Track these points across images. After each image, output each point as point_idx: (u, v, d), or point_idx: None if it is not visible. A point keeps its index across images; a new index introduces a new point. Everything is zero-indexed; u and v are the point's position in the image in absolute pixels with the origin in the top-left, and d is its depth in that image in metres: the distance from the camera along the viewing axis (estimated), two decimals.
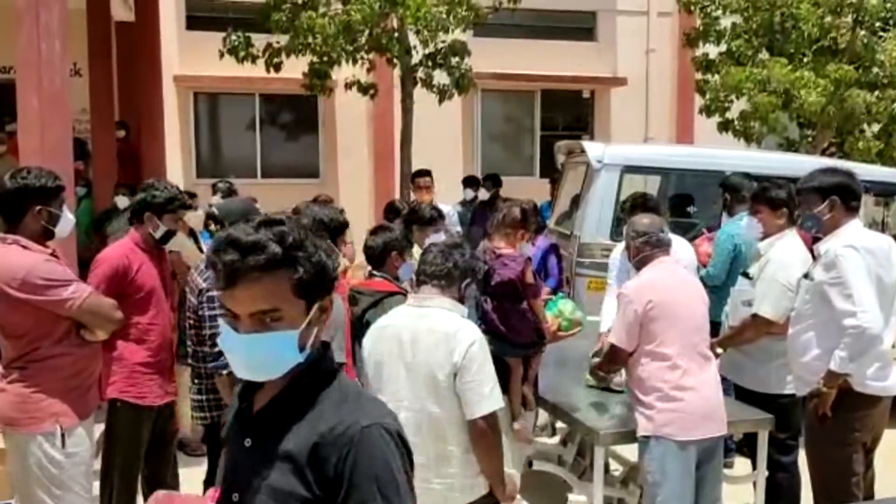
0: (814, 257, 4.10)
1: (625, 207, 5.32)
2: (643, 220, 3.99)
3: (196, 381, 4.00)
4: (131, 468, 3.96)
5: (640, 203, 5.05)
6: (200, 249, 4.94)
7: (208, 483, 4.13)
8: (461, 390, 2.74)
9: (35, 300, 3.20)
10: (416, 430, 2.85)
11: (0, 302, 3.23)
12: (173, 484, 4.18)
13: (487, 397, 2.75)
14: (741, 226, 5.43)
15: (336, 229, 3.50)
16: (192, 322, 3.91)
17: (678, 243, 5.28)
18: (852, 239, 3.70)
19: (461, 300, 3.00)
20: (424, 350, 2.80)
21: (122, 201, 7.43)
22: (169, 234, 4.02)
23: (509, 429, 3.94)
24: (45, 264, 3.27)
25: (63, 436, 3.31)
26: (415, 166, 10.74)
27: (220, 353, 3.65)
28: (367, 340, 3.02)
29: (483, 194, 9.33)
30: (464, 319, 2.88)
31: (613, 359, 3.89)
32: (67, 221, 3.43)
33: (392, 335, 2.91)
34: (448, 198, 10.04)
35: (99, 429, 3.82)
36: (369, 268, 3.97)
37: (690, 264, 5.17)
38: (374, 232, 3.97)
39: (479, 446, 2.78)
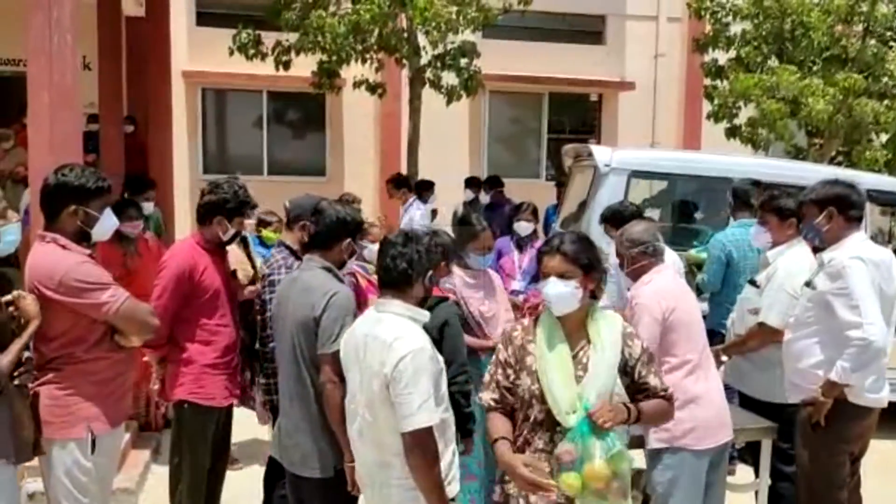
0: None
1: (606, 217, 5.21)
2: (636, 228, 3.91)
3: (264, 364, 4.06)
4: (200, 468, 3.95)
5: (619, 213, 5.03)
6: (250, 256, 4.92)
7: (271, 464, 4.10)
8: (393, 402, 2.72)
9: (71, 303, 3.09)
10: (359, 434, 2.91)
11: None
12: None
13: (414, 414, 2.67)
14: (733, 233, 5.45)
15: (356, 229, 3.58)
16: (257, 308, 4.05)
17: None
18: (859, 251, 3.69)
19: (428, 293, 2.99)
20: (369, 356, 2.81)
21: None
22: (236, 235, 4.02)
23: None
24: (83, 266, 3.14)
25: (93, 442, 3.22)
26: (421, 167, 10.76)
27: None
28: (342, 340, 3.06)
29: (483, 198, 9.33)
30: (410, 327, 2.81)
31: None
32: (107, 224, 3.31)
33: (355, 339, 2.93)
34: (452, 199, 10.06)
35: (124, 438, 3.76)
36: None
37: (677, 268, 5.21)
38: None
39: (409, 462, 2.73)
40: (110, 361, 3.27)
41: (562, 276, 2.75)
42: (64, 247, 3.16)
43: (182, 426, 3.92)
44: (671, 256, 5.14)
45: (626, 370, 2.83)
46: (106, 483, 3.44)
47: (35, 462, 3.32)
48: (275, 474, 4.01)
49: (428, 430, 2.69)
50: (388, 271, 2.89)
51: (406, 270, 2.86)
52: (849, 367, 3.59)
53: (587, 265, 2.79)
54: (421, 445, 2.69)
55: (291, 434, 3.33)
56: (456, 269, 4.37)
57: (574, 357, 2.77)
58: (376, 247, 4.50)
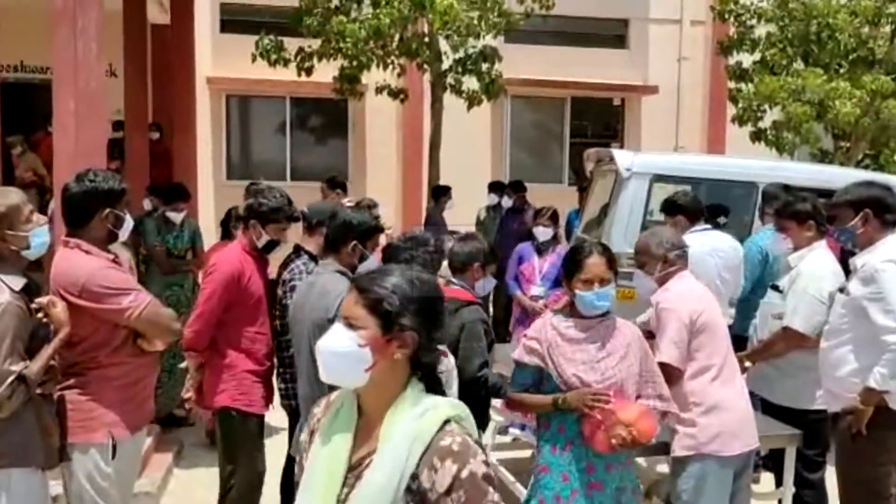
0: (844, 268, 4.03)
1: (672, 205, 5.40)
2: (668, 232, 3.89)
3: (280, 369, 4.09)
4: (257, 474, 3.93)
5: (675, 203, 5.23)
6: None
7: (288, 466, 4.12)
8: None
9: (94, 308, 3.12)
10: None
11: None
12: None
13: None
14: (767, 236, 5.39)
15: (364, 233, 3.57)
16: (277, 313, 4.05)
17: (725, 240, 5.37)
18: (892, 254, 3.61)
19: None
20: None
21: (147, 204, 7.47)
22: (272, 244, 3.99)
23: None
24: (106, 271, 3.17)
25: (114, 448, 3.23)
26: (443, 171, 10.77)
27: None
28: None
29: (506, 202, 9.32)
30: None
31: (666, 380, 3.40)
32: (128, 224, 3.36)
33: None
34: (475, 203, 10.06)
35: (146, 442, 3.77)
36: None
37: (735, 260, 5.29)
38: (462, 239, 3.90)
39: None
40: (132, 366, 3.28)
41: (349, 324, 1.76)
42: (87, 252, 3.19)
43: (232, 433, 3.90)
44: (729, 243, 5.36)
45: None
46: (127, 488, 3.46)
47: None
48: (293, 476, 4.02)
49: None
50: None
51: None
52: (886, 373, 3.49)
53: (389, 316, 1.72)
54: None
55: None
56: (552, 319, 3.22)
57: (354, 467, 1.74)
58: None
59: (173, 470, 5.28)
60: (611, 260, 3.19)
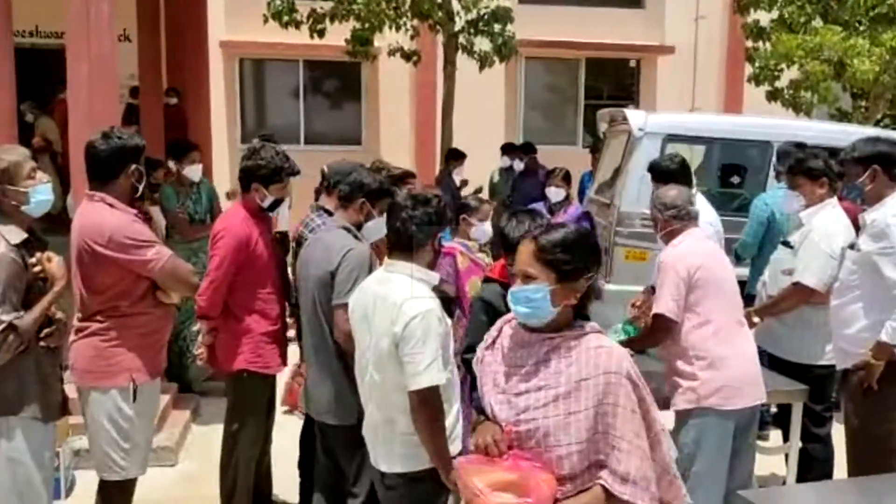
0: (856, 227, 4.04)
1: (657, 170, 4.94)
2: (670, 193, 3.89)
3: (301, 327, 4.14)
4: (259, 435, 4.04)
5: (669, 168, 4.87)
6: None
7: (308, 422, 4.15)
8: (402, 362, 2.75)
9: (121, 258, 3.28)
10: (367, 393, 2.97)
11: (86, 258, 3.31)
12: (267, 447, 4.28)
13: (422, 373, 2.70)
14: (777, 194, 5.36)
15: (373, 192, 3.67)
16: (293, 269, 4.09)
17: (705, 208, 5.14)
18: None
19: (437, 254, 2.98)
20: (378, 316, 2.84)
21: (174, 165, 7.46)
22: (277, 202, 3.99)
23: None
24: (133, 224, 3.34)
25: (135, 391, 3.39)
26: (456, 134, 10.75)
27: None
28: (352, 297, 3.09)
29: (518, 164, 9.31)
30: (420, 288, 2.80)
31: (660, 329, 3.64)
32: (143, 180, 3.51)
33: (364, 297, 2.96)
34: (488, 166, 10.06)
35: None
36: None
37: (717, 229, 5.10)
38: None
39: (415, 420, 2.76)
40: (151, 317, 3.46)
41: None
42: (112, 206, 3.34)
43: (243, 395, 3.97)
44: (711, 217, 5.12)
45: None
46: (147, 432, 3.60)
47: (80, 419, 3.49)
48: (312, 432, 4.12)
49: (434, 389, 2.74)
50: (398, 234, 2.90)
51: (415, 233, 2.86)
52: None
53: None
54: (427, 404, 2.73)
55: (317, 385, 3.53)
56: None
57: None
58: (486, 226, 4.52)
59: (191, 426, 5.40)
60: (550, 250, 2.18)
